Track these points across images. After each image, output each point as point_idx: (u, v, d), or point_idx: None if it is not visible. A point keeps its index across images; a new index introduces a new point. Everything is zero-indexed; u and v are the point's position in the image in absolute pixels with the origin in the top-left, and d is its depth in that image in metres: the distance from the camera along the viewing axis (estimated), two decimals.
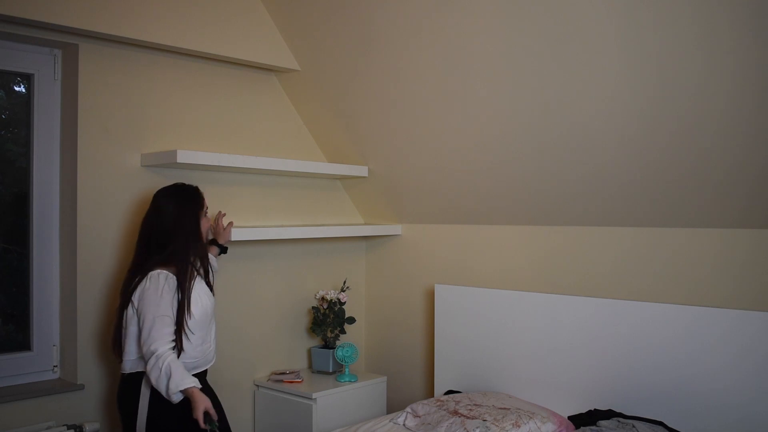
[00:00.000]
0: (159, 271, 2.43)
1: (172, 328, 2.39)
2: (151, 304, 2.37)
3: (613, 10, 2.29)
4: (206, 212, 2.68)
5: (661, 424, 2.52)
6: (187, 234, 2.52)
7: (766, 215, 2.43)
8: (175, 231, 2.50)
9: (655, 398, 2.62)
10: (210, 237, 2.65)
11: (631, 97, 2.44)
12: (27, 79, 2.89)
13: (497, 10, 2.57)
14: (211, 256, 2.87)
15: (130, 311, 2.44)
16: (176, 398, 2.31)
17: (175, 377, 2.29)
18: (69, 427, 2.75)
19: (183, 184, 2.66)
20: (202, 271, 2.59)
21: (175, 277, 2.44)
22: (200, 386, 2.35)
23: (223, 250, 2.99)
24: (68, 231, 2.88)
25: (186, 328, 2.43)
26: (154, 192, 2.62)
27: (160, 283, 2.40)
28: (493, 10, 2.58)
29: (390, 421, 2.87)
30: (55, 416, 2.78)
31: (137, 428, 2.41)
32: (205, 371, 2.62)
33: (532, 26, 2.52)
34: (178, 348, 2.41)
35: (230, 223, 3.00)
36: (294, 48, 3.41)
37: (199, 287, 2.54)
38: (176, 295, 2.42)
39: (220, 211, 3.01)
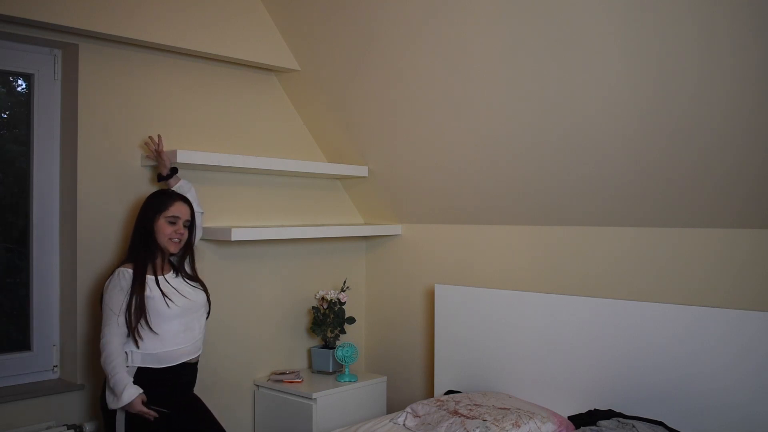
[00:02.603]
0: (118, 269, 2.56)
1: (116, 319, 2.47)
2: (104, 300, 2.53)
3: (613, 11, 2.29)
4: (172, 219, 2.64)
5: (661, 424, 2.52)
6: (140, 235, 2.63)
7: (766, 215, 2.43)
8: (133, 232, 2.67)
9: (655, 398, 2.62)
10: (176, 239, 2.67)
11: (631, 97, 2.44)
12: (27, 79, 2.89)
13: (497, 10, 2.57)
14: (183, 183, 2.89)
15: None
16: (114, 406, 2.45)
17: (117, 391, 2.43)
18: (69, 427, 2.76)
19: (160, 189, 2.80)
20: (165, 266, 2.68)
21: (132, 272, 2.54)
22: (136, 398, 2.44)
23: (168, 176, 2.88)
24: (68, 231, 2.88)
25: (145, 320, 2.50)
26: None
27: (112, 281, 2.54)
28: (494, 10, 2.58)
29: (390, 421, 2.87)
30: (55, 416, 2.78)
31: (116, 425, 2.47)
32: (196, 360, 2.70)
33: (532, 27, 2.52)
34: (134, 340, 2.50)
35: (160, 151, 2.86)
36: (294, 48, 3.41)
37: (175, 281, 2.66)
38: (125, 288, 2.51)
39: (151, 138, 2.89)
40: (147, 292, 2.53)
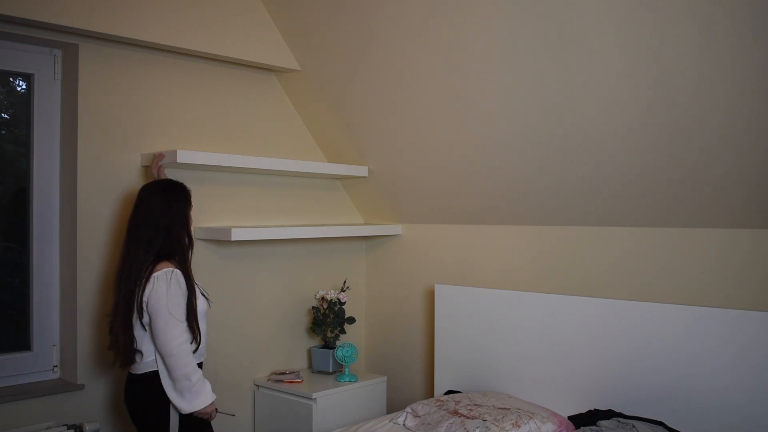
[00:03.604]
0: (165, 270, 2.41)
1: (184, 325, 2.40)
2: (162, 305, 2.36)
3: (613, 10, 2.29)
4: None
5: (661, 424, 2.52)
6: (180, 229, 2.51)
7: (766, 215, 2.43)
8: (168, 226, 2.48)
9: (655, 398, 2.62)
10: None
11: (631, 96, 2.44)
12: (27, 79, 2.89)
13: (497, 10, 2.57)
14: None
15: (144, 315, 2.40)
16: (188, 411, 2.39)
17: (203, 394, 2.39)
18: (69, 427, 2.75)
19: (171, 180, 2.64)
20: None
21: (180, 272, 2.44)
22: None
23: None
24: (68, 231, 2.88)
25: (197, 320, 2.46)
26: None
27: (170, 285, 2.39)
28: (494, 10, 2.58)
29: (390, 421, 2.87)
30: (55, 416, 2.78)
31: (170, 427, 2.42)
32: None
33: (532, 26, 2.52)
34: (197, 340, 2.45)
35: (161, 167, 2.87)
36: (294, 48, 3.41)
37: (198, 281, 2.60)
38: (185, 291, 2.43)
39: (159, 154, 2.89)
40: (196, 292, 2.49)
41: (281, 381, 3.35)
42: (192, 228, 2.63)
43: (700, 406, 2.50)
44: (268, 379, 3.41)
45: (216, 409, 2.48)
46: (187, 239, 2.55)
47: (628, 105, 2.46)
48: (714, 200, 2.51)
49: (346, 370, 3.45)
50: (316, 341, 3.70)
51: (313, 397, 3.18)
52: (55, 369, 2.92)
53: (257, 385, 3.43)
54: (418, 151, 3.30)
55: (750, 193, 2.40)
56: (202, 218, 3.19)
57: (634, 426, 2.48)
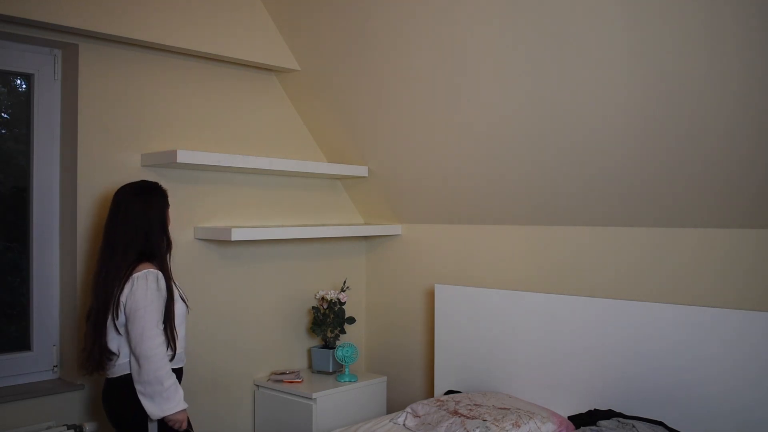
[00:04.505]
0: (146, 271, 2.38)
1: (161, 328, 2.36)
2: (140, 305, 2.33)
3: (619, 10, 2.29)
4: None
5: (661, 424, 2.52)
6: (159, 232, 2.47)
7: None
8: (147, 231, 2.44)
9: (655, 398, 2.62)
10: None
11: (635, 97, 2.43)
12: (27, 79, 2.89)
13: (499, 10, 2.57)
14: None
15: (120, 316, 2.36)
16: (159, 416, 2.33)
17: (174, 400, 2.33)
18: (69, 427, 2.75)
19: (146, 181, 2.58)
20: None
21: (162, 273, 2.41)
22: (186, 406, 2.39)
23: None
24: (68, 231, 2.88)
25: (175, 324, 2.42)
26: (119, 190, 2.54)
27: (149, 285, 2.35)
28: (495, 10, 2.58)
29: (390, 421, 2.87)
30: (55, 416, 2.78)
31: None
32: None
33: (534, 26, 2.52)
34: (172, 346, 2.39)
35: None
36: (294, 48, 3.41)
37: (178, 284, 2.56)
38: (164, 293, 2.40)
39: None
40: (175, 296, 2.45)
41: (281, 381, 3.34)
42: (170, 229, 2.56)
43: (701, 407, 2.49)
44: (268, 379, 3.41)
45: (189, 421, 2.40)
46: (165, 242, 2.50)
47: (632, 105, 2.46)
48: (721, 200, 2.50)
49: (346, 370, 3.45)
50: (316, 341, 3.70)
51: (313, 397, 3.18)
52: (55, 369, 2.92)
53: (257, 385, 3.43)
54: (418, 151, 3.30)
55: (758, 193, 2.39)
56: (202, 218, 3.19)
57: (634, 426, 2.48)
